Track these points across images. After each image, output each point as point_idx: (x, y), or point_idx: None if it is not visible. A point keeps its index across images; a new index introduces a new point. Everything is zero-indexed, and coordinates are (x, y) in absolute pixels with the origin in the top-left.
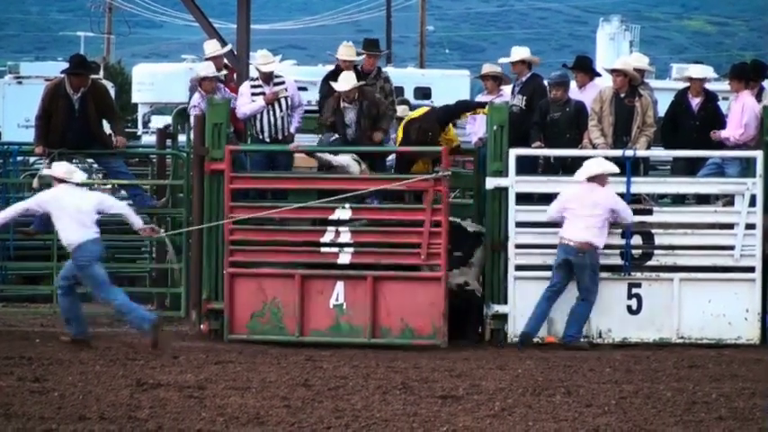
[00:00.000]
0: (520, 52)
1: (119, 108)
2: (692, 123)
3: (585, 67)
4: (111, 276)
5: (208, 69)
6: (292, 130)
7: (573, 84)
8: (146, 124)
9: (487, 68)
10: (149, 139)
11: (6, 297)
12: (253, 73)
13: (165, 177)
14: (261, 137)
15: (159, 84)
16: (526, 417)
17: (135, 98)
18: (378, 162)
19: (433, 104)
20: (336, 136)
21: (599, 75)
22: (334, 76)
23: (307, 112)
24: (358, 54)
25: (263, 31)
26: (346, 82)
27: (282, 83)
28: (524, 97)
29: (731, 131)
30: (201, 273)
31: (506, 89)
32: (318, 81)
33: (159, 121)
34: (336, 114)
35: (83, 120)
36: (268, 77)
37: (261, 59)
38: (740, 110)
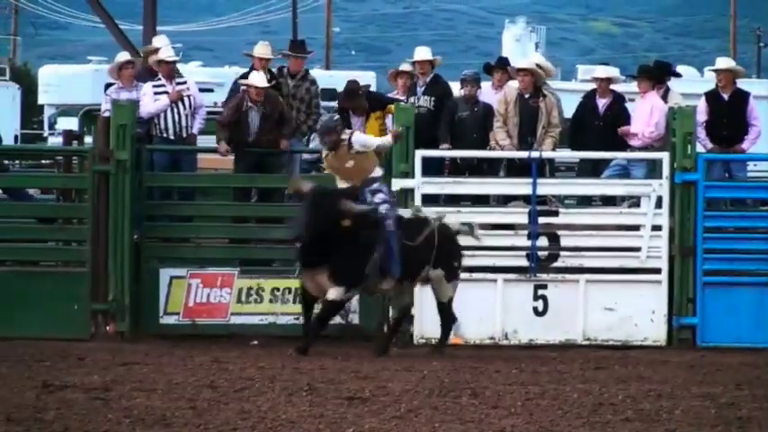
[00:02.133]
0: (426, 51)
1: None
2: (598, 124)
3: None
4: None
5: (167, 52)
6: (195, 130)
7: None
8: (52, 126)
9: (406, 66)
10: (56, 140)
11: None
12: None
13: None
14: (165, 135)
15: (65, 85)
16: (432, 418)
17: (41, 100)
18: (270, 162)
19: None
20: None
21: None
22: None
23: (211, 113)
24: (285, 56)
25: (169, 33)
26: (262, 79)
27: (184, 82)
28: (432, 98)
29: (641, 128)
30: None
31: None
32: (225, 82)
33: (65, 123)
34: (241, 114)
35: None
36: (171, 73)
37: (164, 52)
38: (649, 109)
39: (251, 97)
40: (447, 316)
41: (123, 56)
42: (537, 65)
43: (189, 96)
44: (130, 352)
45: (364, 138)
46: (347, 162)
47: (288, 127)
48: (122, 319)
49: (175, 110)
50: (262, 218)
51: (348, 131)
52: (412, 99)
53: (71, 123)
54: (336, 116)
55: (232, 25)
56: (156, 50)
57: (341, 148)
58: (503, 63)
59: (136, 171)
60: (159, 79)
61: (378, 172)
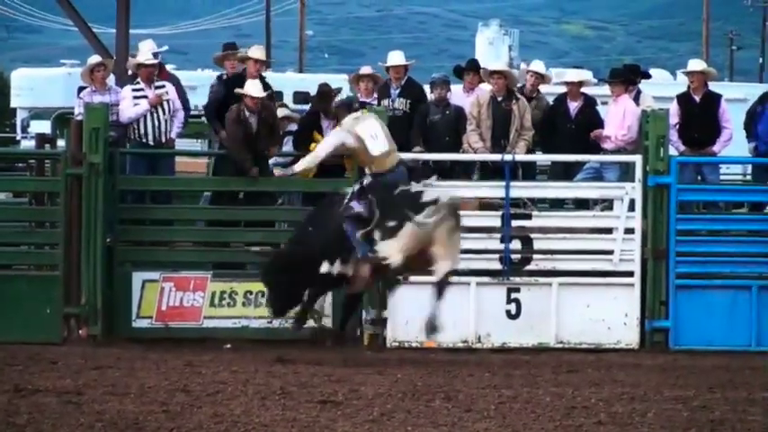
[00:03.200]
0: (399, 56)
1: None
2: (570, 127)
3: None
4: None
5: (146, 56)
6: (173, 135)
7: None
8: (24, 129)
9: (367, 69)
10: (29, 143)
11: None
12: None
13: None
14: (144, 140)
15: (38, 88)
16: (405, 422)
17: (13, 103)
18: (263, 165)
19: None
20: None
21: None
22: (239, 79)
23: (194, 116)
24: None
25: (143, 36)
26: (258, 88)
27: (163, 86)
28: (407, 101)
29: (614, 131)
30: (80, 275)
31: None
32: (199, 86)
33: (38, 126)
34: (243, 126)
35: None
36: (150, 77)
37: (142, 56)
38: (622, 113)
39: (248, 106)
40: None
41: (95, 59)
42: (536, 72)
43: (168, 101)
44: (103, 356)
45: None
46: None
47: (278, 135)
48: (95, 322)
49: (155, 115)
50: (235, 221)
51: None
52: (386, 102)
53: (44, 127)
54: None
55: (205, 28)
56: (93, 67)
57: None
58: (473, 65)
59: (109, 174)
60: (138, 83)
61: None
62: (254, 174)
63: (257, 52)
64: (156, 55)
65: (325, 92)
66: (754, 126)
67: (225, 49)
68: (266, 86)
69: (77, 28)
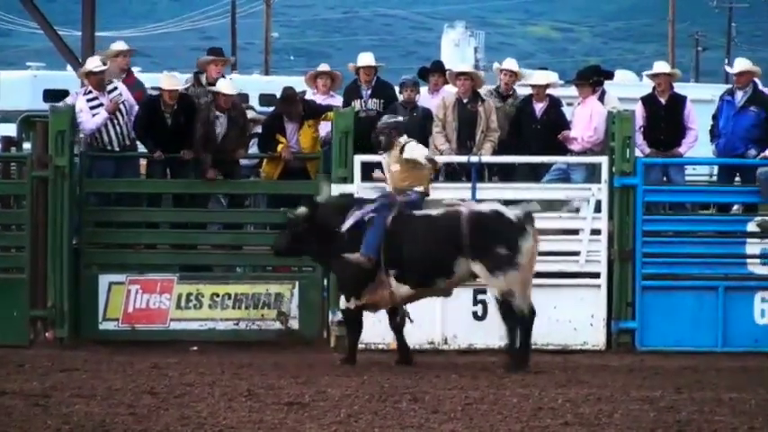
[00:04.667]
0: (370, 57)
1: None
2: (536, 128)
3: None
4: None
5: (94, 63)
6: (133, 134)
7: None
8: None
9: (325, 66)
10: None
11: None
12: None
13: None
14: (110, 147)
15: (4, 91)
16: (372, 423)
17: None
18: (234, 169)
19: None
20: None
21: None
22: (155, 101)
23: None
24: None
25: (108, 39)
26: (229, 86)
27: (115, 89)
28: (381, 101)
29: (581, 132)
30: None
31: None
32: None
33: (4, 129)
34: (209, 126)
35: None
36: (101, 83)
37: (91, 63)
38: (589, 114)
39: (218, 105)
40: (505, 315)
41: (93, 61)
42: (509, 70)
43: (124, 102)
44: (70, 358)
45: (415, 149)
46: (393, 166)
47: (247, 136)
48: (61, 325)
49: (115, 121)
50: (202, 223)
51: (405, 138)
52: (357, 103)
53: (9, 129)
54: (398, 118)
55: (171, 31)
56: (117, 54)
57: (393, 150)
58: (438, 67)
59: (75, 177)
60: (90, 92)
61: (418, 188)
62: (212, 176)
63: (168, 81)
64: (120, 54)
65: (290, 95)
66: (717, 124)
67: (209, 53)
68: (193, 88)
69: (43, 31)
